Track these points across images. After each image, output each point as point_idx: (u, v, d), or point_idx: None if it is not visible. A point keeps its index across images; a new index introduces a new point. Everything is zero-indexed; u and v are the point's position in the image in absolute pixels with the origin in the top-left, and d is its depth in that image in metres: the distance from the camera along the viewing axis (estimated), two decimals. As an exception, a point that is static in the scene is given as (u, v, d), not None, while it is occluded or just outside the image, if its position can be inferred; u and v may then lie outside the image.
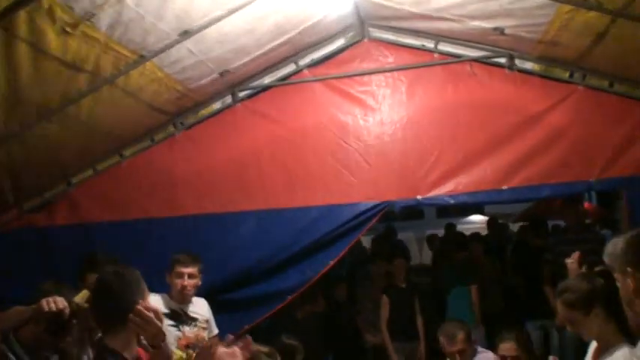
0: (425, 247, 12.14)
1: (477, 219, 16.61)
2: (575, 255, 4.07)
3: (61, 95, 4.19)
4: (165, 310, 4.38)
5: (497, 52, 5.30)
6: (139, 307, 2.59)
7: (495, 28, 4.75)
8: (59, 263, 5.22)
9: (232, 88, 5.59)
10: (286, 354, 4.31)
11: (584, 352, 3.21)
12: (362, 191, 5.34)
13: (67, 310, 2.77)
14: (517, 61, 5.28)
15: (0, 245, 5.37)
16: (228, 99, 5.68)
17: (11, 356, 2.62)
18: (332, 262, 5.29)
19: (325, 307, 6.90)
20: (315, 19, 4.92)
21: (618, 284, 2.44)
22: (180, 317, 4.49)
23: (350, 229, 5.29)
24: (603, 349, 2.94)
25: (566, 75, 5.24)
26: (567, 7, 4.02)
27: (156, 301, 4.39)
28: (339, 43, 5.64)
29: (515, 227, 11.09)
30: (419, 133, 5.37)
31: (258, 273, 5.34)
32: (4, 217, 5.47)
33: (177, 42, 4.24)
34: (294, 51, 5.47)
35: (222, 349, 2.70)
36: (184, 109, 5.56)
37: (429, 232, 12.48)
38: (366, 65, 5.56)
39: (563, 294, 3.04)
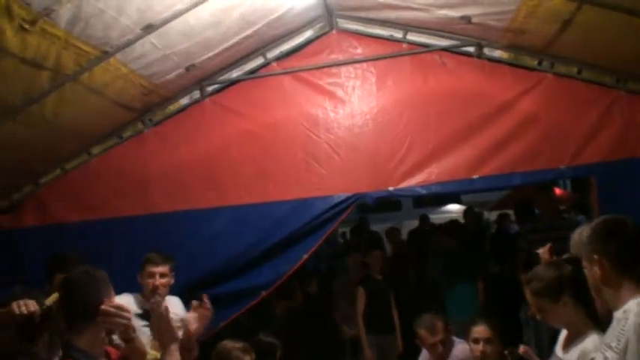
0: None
1: (454, 208, 16.73)
2: (546, 247, 4.08)
3: (23, 94, 4.11)
4: (138, 311, 4.32)
5: (466, 41, 5.30)
6: (104, 306, 2.62)
7: (462, 17, 4.75)
8: (28, 265, 5.16)
9: (200, 82, 5.53)
10: (265, 353, 4.29)
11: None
12: (334, 184, 5.32)
13: (38, 313, 2.76)
14: (486, 50, 5.28)
15: (-32, 249, 5.27)
16: (197, 94, 5.62)
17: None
18: (305, 256, 5.27)
19: (302, 302, 6.87)
20: (282, 11, 4.88)
21: (586, 272, 2.45)
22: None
23: (323, 223, 5.27)
24: (573, 337, 2.95)
25: (535, 63, 5.25)
26: (533, -6, 4.03)
27: (128, 301, 4.35)
28: (307, 35, 5.60)
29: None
30: (389, 124, 5.36)
31: (232, 269, 5.30)
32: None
33: (141, 36, 4.19)
34: (261, 44, 5.42)
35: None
36: (152, 106, 5.48)
37: (406, 222, 12.52)
38: (335, 57, 5.53)
39: (532, 282, 3.04)
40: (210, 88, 5.62)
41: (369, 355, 6.50)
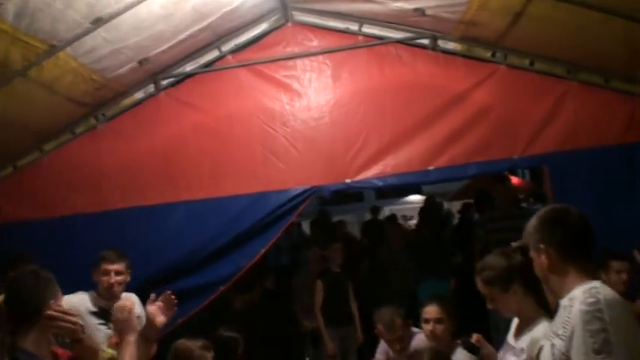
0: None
1: (416, 199, 16.89)
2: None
3: (-32, 90, 4.01)
4: (93, 309, 4.28)
5: (421, 33, 5.32)
6: (49, 312, 2.60)
7: (416, 9, 4.78)
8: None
9: (154, 76, 5.44)
10: (227, 348, 4.27)
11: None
12: (291, 177, 5.30)
13: None
14: (440, 42, 5.31)
15: None
16: (151, 88, 5.53)
17: None
18: (263, 250, 5.25)
19: (262, 295, 6.85)
20: (236, 3, 4.82)
21: (533, 260, 2.48)
22: (109, 315, 4.36)
23: (280, 216, 5.25)
24: (523, 325, 3.00)
25: (489, 54, 5.30)
26: (484, -13, 4.08)
27: (83, 299, 4.30)
28: (263, 27, 5.55)
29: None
30: (346, 116, 5.36)
31: (190, 265, 5.25)
32: None
33: (90, 30, 4.11)
34: (216, 37, 5.35)
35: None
36: (105, 100, 5.38)
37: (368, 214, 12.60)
38: (291, 49, 5.50)
39: (482, 272, 3.08)
40: (164, 82, 5.53)
41: (330, 348, 6.51)
